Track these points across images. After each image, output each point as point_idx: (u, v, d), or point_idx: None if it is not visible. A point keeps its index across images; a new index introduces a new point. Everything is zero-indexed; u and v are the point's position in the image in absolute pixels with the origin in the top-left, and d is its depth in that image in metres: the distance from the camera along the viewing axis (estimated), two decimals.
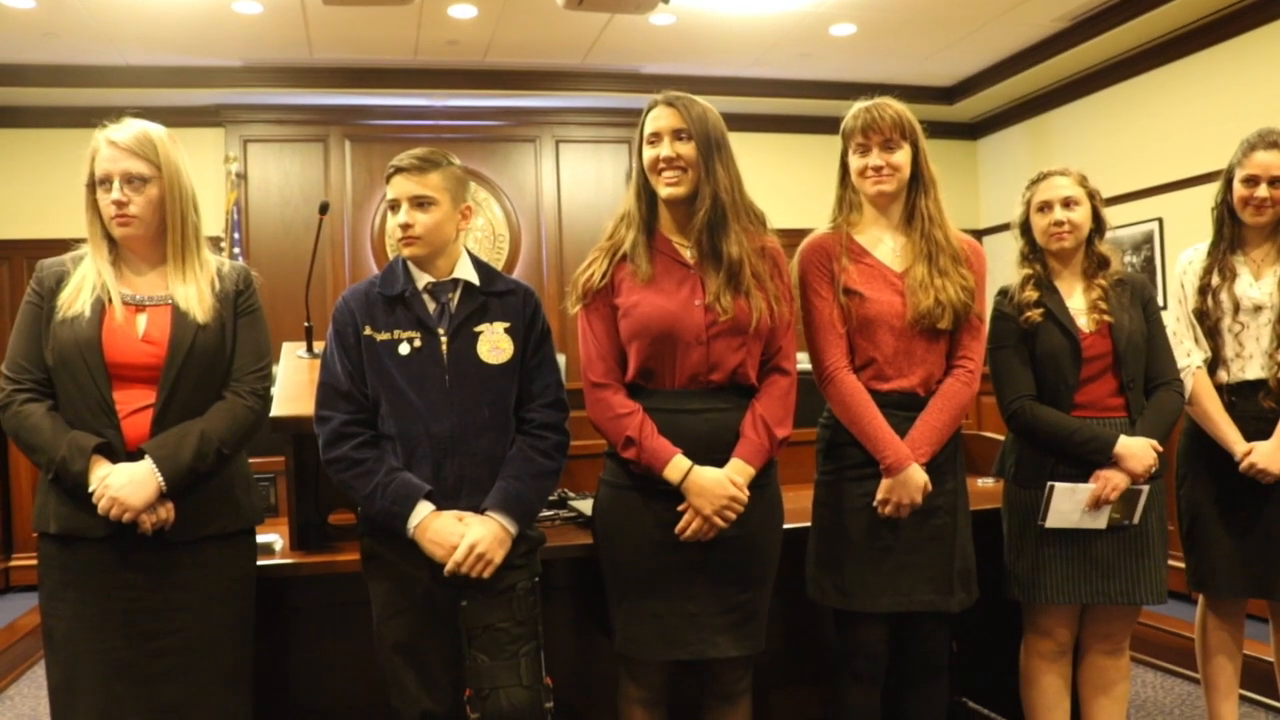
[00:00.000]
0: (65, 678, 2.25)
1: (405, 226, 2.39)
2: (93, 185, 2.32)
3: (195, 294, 2.34)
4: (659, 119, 2.47)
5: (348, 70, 7.64)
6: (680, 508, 2.41)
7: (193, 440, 2.25)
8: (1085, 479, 2.71)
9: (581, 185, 8.58)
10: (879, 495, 2.54)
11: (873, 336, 2.59)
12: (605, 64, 7.72)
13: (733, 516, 2.40)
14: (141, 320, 2.30)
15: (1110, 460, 2.69)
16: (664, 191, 2.46)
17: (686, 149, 2.44)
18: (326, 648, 2.84)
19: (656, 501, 2.44)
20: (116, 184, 2.28)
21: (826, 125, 7.92)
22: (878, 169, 2.60)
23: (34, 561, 5.31)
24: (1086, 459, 2.72)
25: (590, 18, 6.60)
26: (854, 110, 2.65)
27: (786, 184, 8.72)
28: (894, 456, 2.51)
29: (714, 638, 2.44)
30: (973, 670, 3.43)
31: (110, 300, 2.27)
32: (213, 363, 2.33)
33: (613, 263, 2.51)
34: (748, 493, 2.42)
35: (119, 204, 2.28)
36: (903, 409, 2.58)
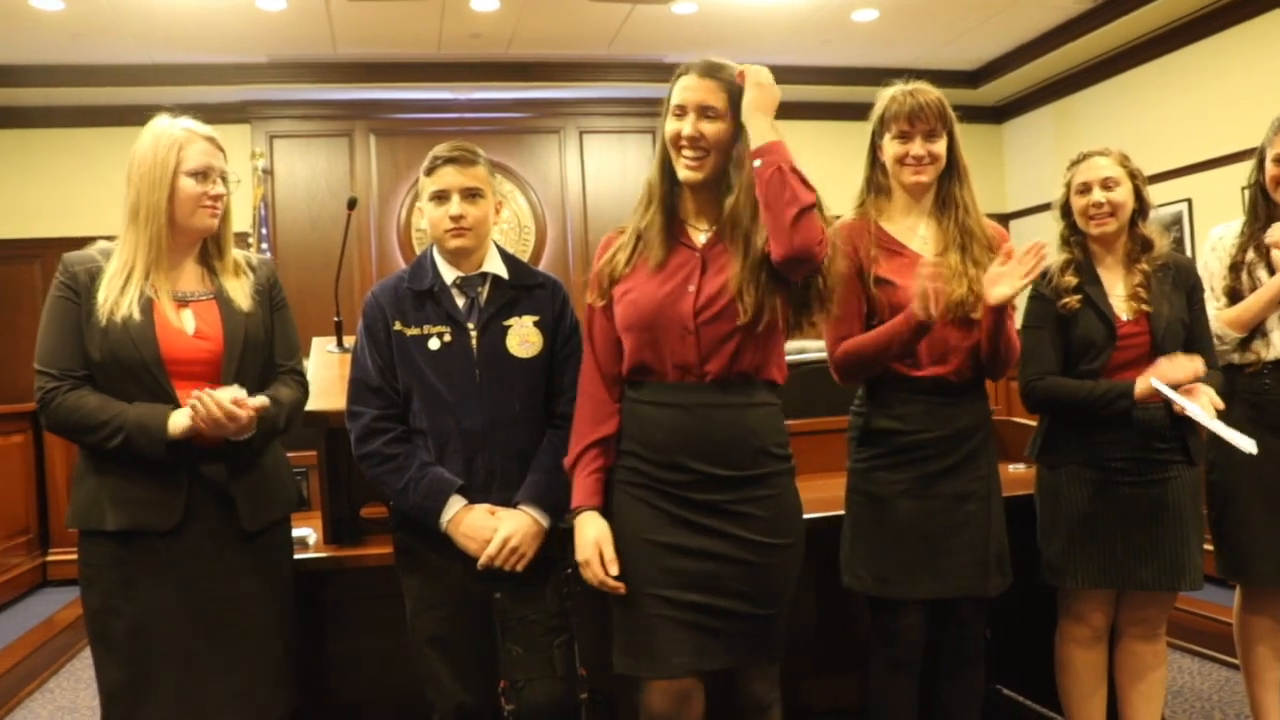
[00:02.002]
0: (129, 676, 2.23)
1: (458, 218, 2.39)
2: (177, 173, 2.29)
3: (239, 289, 2.37)
4: (688, 90, 2.20)
5: (371, 65, 7.68)
6: None
7: (275, 403, 2.31)
8: (1108, 456, 2.71)
9: (606, 176, 8.59)
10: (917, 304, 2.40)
11: None
12: (628, 54, 7.72)
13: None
14: (188, 316, 2.31)
15: (1134, 403, 2.66)
16: (682, 174, 2.23)
17: (713, 129, 2.18)
18: (360, 641, 2.86)
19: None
20: (217, 179, 2.33)
21: (849, 111, 8.02)
22: (919, 158, 2.55)
23: (71, 557, 5.40)
24: (1113, 414, 2.69)
25: (612, 8, 6.60)
26: (892, 94, 2.58)
27: (807, 171, 8.70)
28: (903, 316, 2.45)
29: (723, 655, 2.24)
30: (1008, 658, 3.41)
31: (158, 297, 2.28)
32: (263, 353, 2.38)
33: (636, 249, 2.31)
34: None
35: (218, 197, 2.33)
36: (937, 394, 2.56)
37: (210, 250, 2.39)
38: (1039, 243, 2.46)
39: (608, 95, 8.37)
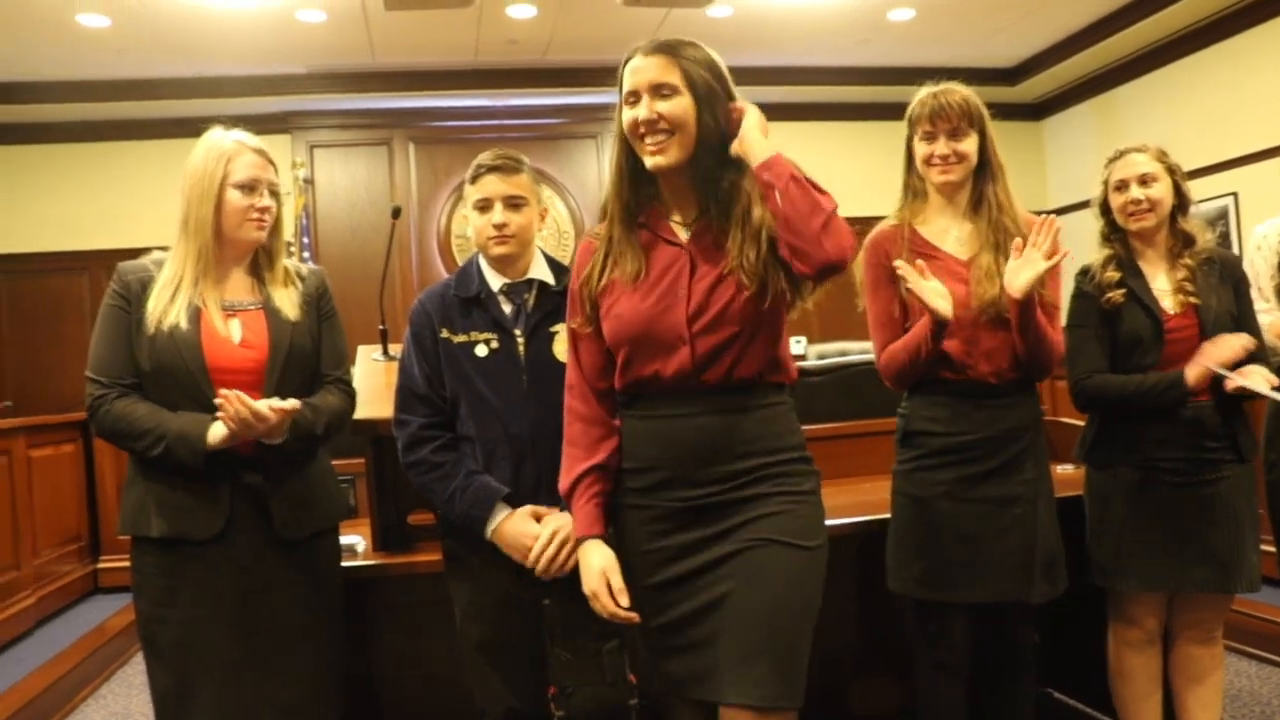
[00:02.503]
0: (176, 683, 2.26)
1: (500, 226, 2.39)
2: (224, 185, 2.31)
3: (286, 299, 2.39)
4: (637, 72, 1.98)
5: (409, 73, 7.73)
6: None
7: (312, 409, 2.34)
8: (1157, 455, 2.68)
9: None
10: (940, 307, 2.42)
11: None
12: None
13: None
14: (235, 325, 2.34)
15: (1188, 389, 2.63)
16: (649, 162, 1.99)
17: (671, 106, 1.95)
18: (409, 647, 2.88)
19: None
20: (265, 191, 2.35)
21: (886, 111, 7.93)
22: (944, 157, 2.56)
23: (121, 564, 5.46)
24: (1166, 405, 2.65)
25: (648, 12, 6.61)
26: (920, 96, 2.60)
27: (846, 172, 8.63)
28: (923, 322, 2.47)
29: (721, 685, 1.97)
30: (1060, 660, 3.38)
31: (205, 306, 2.31)
32: (308, 362, 2.40)
33: (608, 262, 2.09)
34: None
35: (265, 210, 2.35)
36: (975, 397, 2.54)
37: (260, 260, 2.42)
38: (1048, 217, 2.46)
39: None
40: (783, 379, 2.08)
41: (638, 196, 2.07)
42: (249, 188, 2.32)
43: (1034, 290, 2.40)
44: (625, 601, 2.02)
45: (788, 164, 1.92)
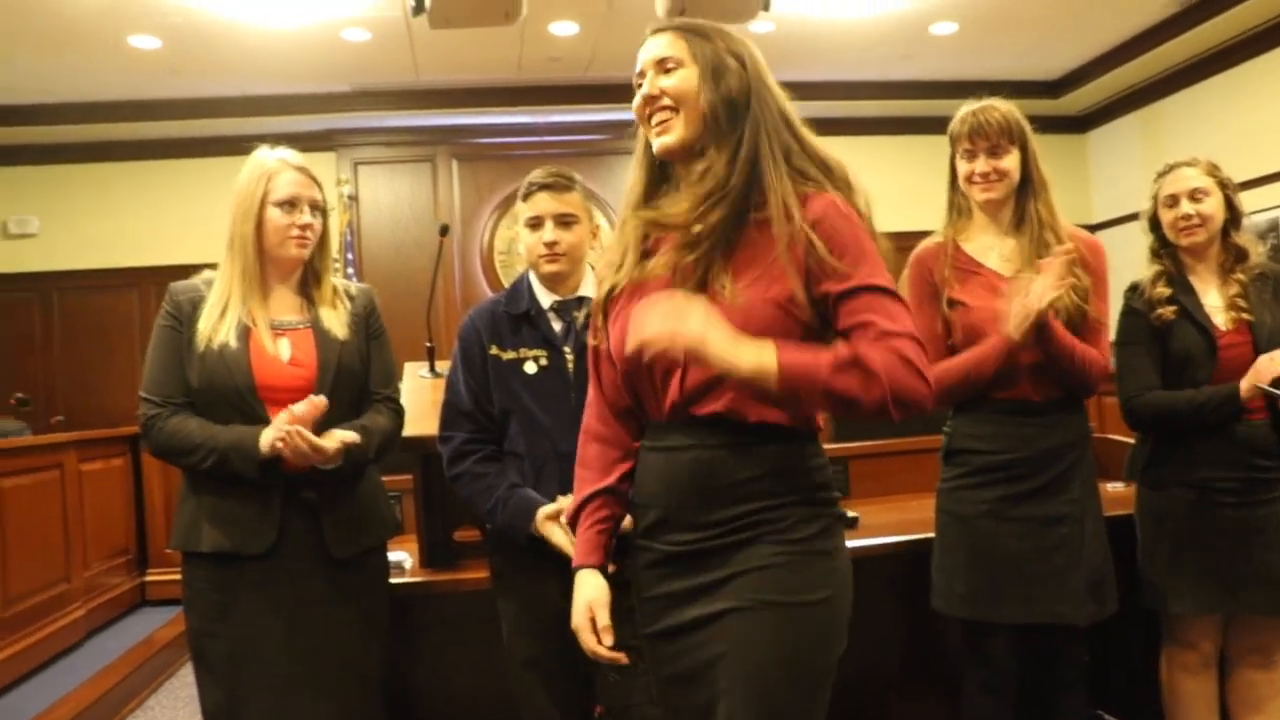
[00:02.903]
0: (226, 697, 2.29)
1: (551, 244, 2.40)
2: (265, 204, 2.35)
3: (335, 318, 2.41)
4: (643, 53, 1.80)
5: (453, 91, 7.77)
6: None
7: (364, 432, 2.35)
8: (1211, 475, 2.63)
9: None
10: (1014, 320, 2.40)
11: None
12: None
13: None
14: (284, 344, 2.36)
15: (1241, 405, 2.59)
16: (655, 145, 1.79)
17: (673, 80, 1.74)
18: (456, 664, 2.89)
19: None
20: (305, 208, 2.36)
21: (928, 125, 7.93)
22: (985, 175, 2.55)
23: (168, 577, 5.53)
24: (1220, 420, 2.62)
25: None
26: (960, 114, 2.60)
27: (889, 187, 8.57)
28: (994, 337, 2.45)
29: None
30: (1111, 681, 3.33)
31: (255, 325, 2.34)
32: (357, 381, 2.42)
33: (621, 268, 1.87)
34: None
35: (307, 227, 2.36)
36: (1018, 415, 2.52)
37: (309, 279, 2.44)
38: (1064, 245, 2.45)
39: None
40: (791, 422, 1.72)
41: (651, 194, 1.85)
42: (289, 205, 2.34)
43: (1046, 310, 2.39)
44: (609, 640, 1.82)
45: (800, 370, 1.59)
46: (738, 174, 1.70)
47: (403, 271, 7.87)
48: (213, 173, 7.86)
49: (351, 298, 2.49)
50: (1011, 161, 2.55)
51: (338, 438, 2.24)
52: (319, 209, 2.40)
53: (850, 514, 2.90)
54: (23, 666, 4.53)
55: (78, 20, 6.12)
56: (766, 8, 5.02)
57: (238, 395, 2.28)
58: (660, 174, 1.84)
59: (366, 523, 2.41)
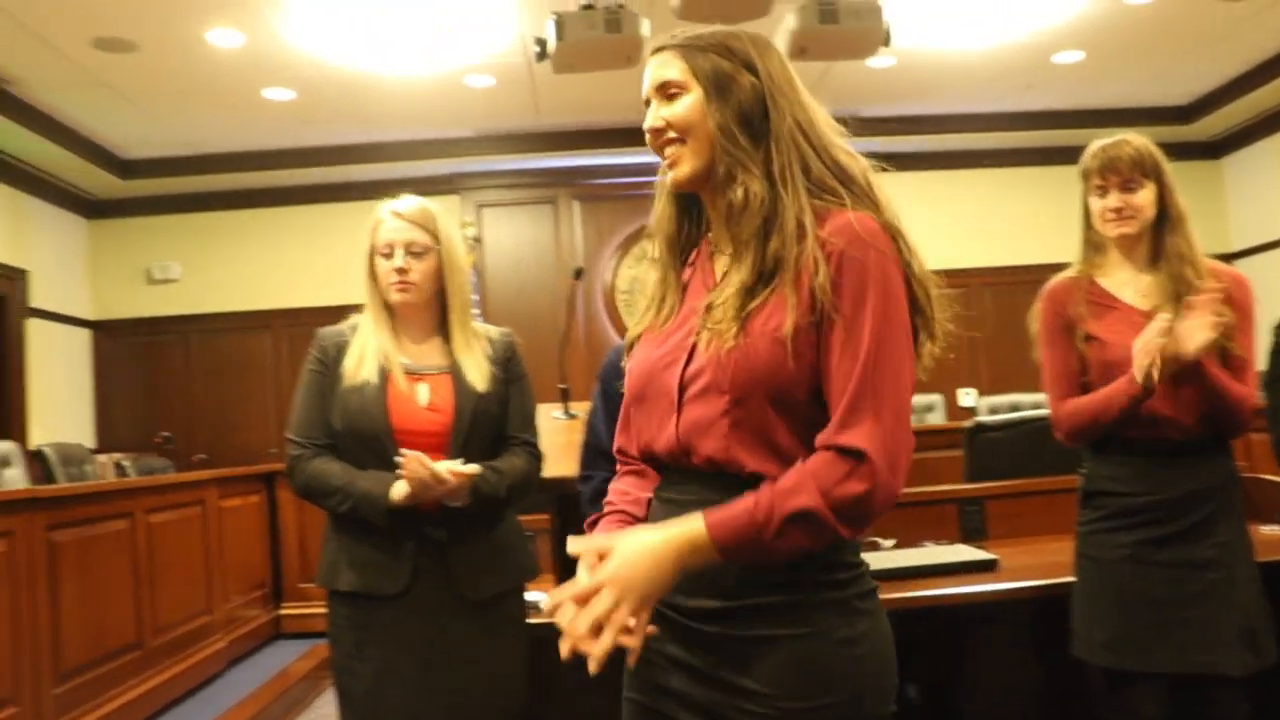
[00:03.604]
0: None
1: None
2: (373, 254, 2.44)
3: (474, 363, 2.44)
4: (646, 79, 1.61)
5: (574, 133, 7.92)
6: None
7: (495, 472, 2.38)
8: None
9: None
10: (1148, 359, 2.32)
11: None
12: (825, 110, 7.68)
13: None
14: (423, 389, 2.41)
15: None
16: (668, 179, 1.62)
17: (675, 109, 1.55)
18: (591, 705, 2.89)
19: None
20: (399, 253, 2.39)
21: (1054, 156, 7.83)
22: (1117, 210, 2.50)
23: (302, 610, 5.69)
24: None
25: (809, 65, 6.61)
26: (1090, 149, 2.55)
27: (1013, 219, 8.50)
28: (1122, 381, 2.37)
29: None
30: None
31: (393, 370, 2.39)
32: (494, 427, 2.45)
33: (651, 302, 1.69)
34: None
35: (400, 271, 2.39)
36: (1160, 455, 2.44)
37: (447, 323, 2.49)
38: (1215, 285, 2.36)
39: None
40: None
41: (680, 227, 1.67)
42: (388, 252, 2.40)
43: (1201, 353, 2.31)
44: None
45: (745, 530, 1.37)
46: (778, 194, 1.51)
47: (526, 311, 8.00)
48: (342, 217, 8.18)
49: (492, 341, 2.53)
50: (1145, 196, 2.49)
51: (460, 469, 2.28)
52: (417, 252, 2.41)
53: (988, 556, 2.84)
54: (169, 695, 4.71)
55: (218, 77, 6.43)
56: (887, 42, 5.00)
57: (375, 438, 2.34)
58: (689, 199, 1.66)
59: (502, 565, 2.44)
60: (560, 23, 4.78)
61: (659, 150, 1.59)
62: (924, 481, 5.76)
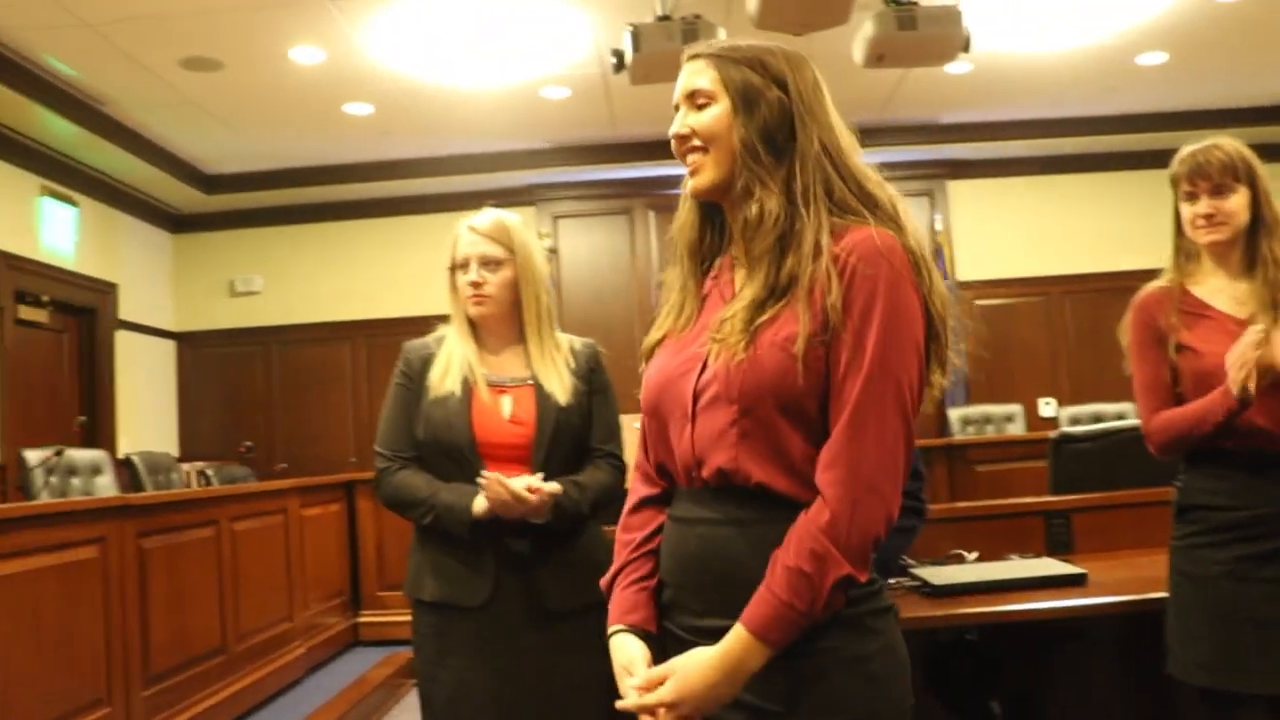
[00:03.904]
0: None
1: None
2: (454, 269, 2.47)
3: (555, 374, 2.45)
4: (678, 85, 1.61)
5: (648, 143, 7.92)
6: None
7: (577, 488, 2.38)
8: None
9: None
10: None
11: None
12: (900, 117, 7.67)
13: None
14: (506, 401, 2.42)
15: None
16: (688, 184, 1.61)
17: (704, 119, 1.55)
18: None
19: None
20: (474, 266, 2.42)
21: (1139, 160, 7.67)
22: (1208, 217, 2.42)
23: (379, 618, 5.75)
24: None
25: (886, 73, 6.56)
26: (1180, 155, 2.48)
27: (1096, 225, 8.33)
28: (1218, 394, 2.28)
29: None
30: None
31: (476, 382, 2.41)
32: (576, 439, 2.46)
33: (671, 311, 1.70)
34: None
35: (475, 285, 2.41)
36: (1259, 468, 2.36)
37: (529, 336, 2.51)
38: None
39: (880, 159, 8.13)
40: (809, 495, 1.45)
41: (702, 235, 1.66)
42: (463, 267, 2.44)
43: None
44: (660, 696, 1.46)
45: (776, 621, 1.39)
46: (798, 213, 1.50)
47: (602, 322, 8.04)
48: (420, 230, 8.29)
49: (575, 352, 2.53)
50: (1238, 202, 2.42)
51: (541, 489, 2.29)
52: (491, 265, 2.43)
53: (1077, 570, 2.78)
54: (250, 700, 4.79)
55: (301, 92, 6.57)
56: (967, 49, 4.93)
57: (457, 450, 2.36)
58: (713, 208, 1.64)
59: (583, 578, 2.42)
60: (637, 34, 4.79)
61: (682, 157, 1.59)
62: (1004, 493, 5.68)
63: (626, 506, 1.72)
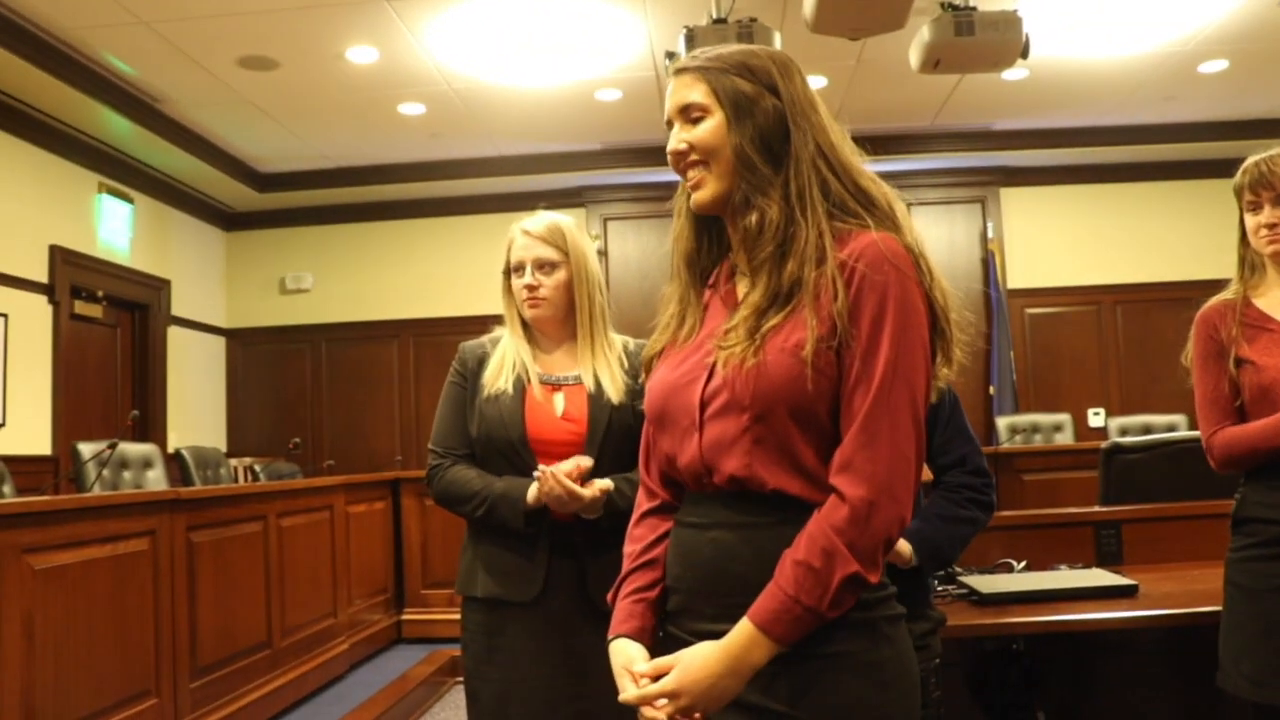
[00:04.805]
0: None
1: None
2: (509, 272, 2.49)
3: (608, 373, 2.46)
4: (668, 101, 1.60)
5: None
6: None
7: (629, 484, 2.33)
8: None
9: (934, 248, 8.13)
10: None
11: (1275, 406, 2.36)
12: (955, 123, 7.62)
13: None
14: (559, 399, 2.44)
15: None
16: (691, 201, 1.60)
17: (700, 133, 1.54)
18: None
19: None
20: (529, 269, 2.44)
21: (1199, 169, 7.54)
22: (1271, 226, 2.39)
23: (422, 616, 5.76)
24: None
25: (941, 79, 6.51)
26: (1244, 165, 2.45)
27: (1155, 234, 8.21)
28: None
29: None
30: None
31: (529, 380, 2.43)
32: (628, 437, 2.45)
33: (671, 321, 1.69)
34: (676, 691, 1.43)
35: (530, 288, 2.43)
36: None
37: (583, 336, 2.51)
38: None
39: (934, 166, 8.25)
40: (822, 498, 1.46)
41: (700, 246, 1.66)
42: (518, 270, 2.45)
43: None
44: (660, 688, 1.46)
45: (784, 621, 1.39)
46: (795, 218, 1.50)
47: (651, 322, 7.95)
48: (470, 230, 8.34)
49: (628, 352, 2.54)
50: None
51: (595, 484, 2.29)
52: (546, 268, 2.44)
53: (1127, 581, 2.74)
54: (294, 694, 4.83)
55: (356, 92, 6.64)
56: (1026, 54, 4.88)
57: (510, 446, 2.37)
58: (709, 217, 1.63)
59: None
60: (692, 36, 4.79)
61: (681, 173, 1.59)
62: (1050, 503, 5.62)
63: (631, 520, 1.73)
